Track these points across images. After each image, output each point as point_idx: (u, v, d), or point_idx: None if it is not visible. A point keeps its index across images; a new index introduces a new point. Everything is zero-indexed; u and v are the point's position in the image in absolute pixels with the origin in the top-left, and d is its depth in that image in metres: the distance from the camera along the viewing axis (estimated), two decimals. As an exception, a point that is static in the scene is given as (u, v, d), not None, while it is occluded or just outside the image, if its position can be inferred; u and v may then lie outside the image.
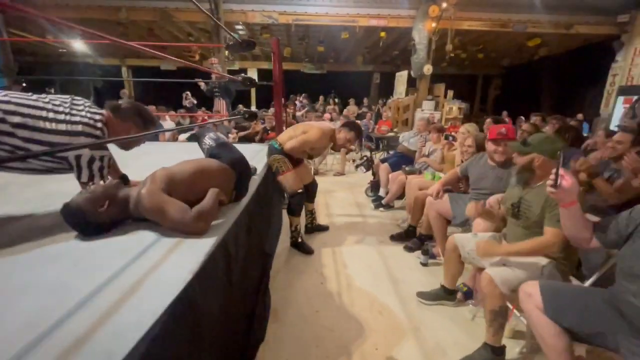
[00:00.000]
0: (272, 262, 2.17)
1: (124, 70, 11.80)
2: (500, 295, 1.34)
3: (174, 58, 1.76)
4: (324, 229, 2.89)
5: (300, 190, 2.37)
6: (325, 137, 2.40)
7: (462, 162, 2.57)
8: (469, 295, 1.92)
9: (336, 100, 10.56)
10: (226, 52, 7.84)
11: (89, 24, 7.80)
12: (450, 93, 7.87)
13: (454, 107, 7.57)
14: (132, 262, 0.87)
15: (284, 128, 3.16)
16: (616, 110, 7.35)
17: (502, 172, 2.03)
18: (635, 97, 6.78)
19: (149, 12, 6.94)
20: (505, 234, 1.70)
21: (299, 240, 2.50)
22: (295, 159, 2.44)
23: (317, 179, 2.85)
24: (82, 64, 10.85)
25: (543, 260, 1.44)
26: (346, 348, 1.52)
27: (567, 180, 1.09)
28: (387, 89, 10.64)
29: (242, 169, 1.50)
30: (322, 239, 2.73)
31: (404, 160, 3.62)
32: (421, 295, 1.92)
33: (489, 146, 2.03)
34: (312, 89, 11.00)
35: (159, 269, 0.84)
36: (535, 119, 4.18)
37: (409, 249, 2.52)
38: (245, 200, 1.51)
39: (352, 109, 8.33)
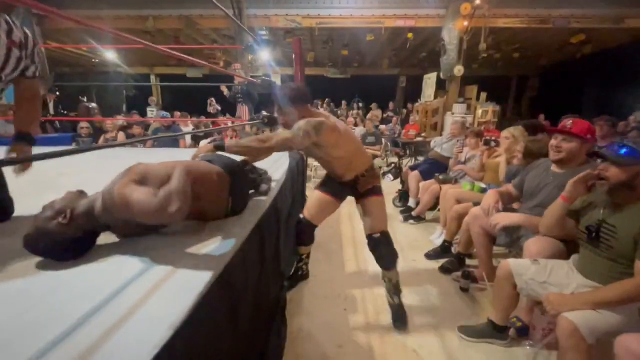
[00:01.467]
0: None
1: (152, 78, 12.18)
2: (587, 349, 1.02)
3: (198, 61, 1.63)
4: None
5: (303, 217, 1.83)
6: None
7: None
8: (523, 332, 1.59)
9: (360, 104, 10.30)
10: (249, 57, 7.82)
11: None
12: (483, 95, 7.37)
13: (488, 110, 7.07)
14: (97, 310, 0.65)
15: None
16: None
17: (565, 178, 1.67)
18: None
19: (174, 20, 7.04)
20: (577, 261, 1.36)
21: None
22: (333, 181, 1.78)
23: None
24: (113, 72, 11.29)
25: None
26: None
27: None
28: (413, 93, 10.23)
29: (238, 174, 1.28)
30: (344, 257, 2.46)
31: (436, 168, 3.29)
32: (464, 330, 1.60)
33: (551, 141, 1.68)
34: (336, 94, 10.79)
35: (130, 320, 0.62)
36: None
37: (446, 270, 2.19)
38: (255, 217, 1.28)
39: (375, 113, 8.02)
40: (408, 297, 1.88)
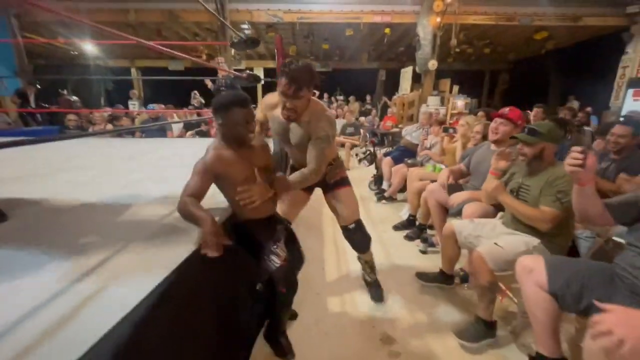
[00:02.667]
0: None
1: (133, 71, 12.04)
2: (489, 271, 1.40)
3: (180, 54, 1.87)
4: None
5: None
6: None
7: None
8: (465, 279, 1.98)
9: (341, 97, 10.62)
10: (232, 51, 7.97)
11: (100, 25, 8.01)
12: (456, 88, 7.84)
13: (459, 102, 7.55)
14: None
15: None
16: (626, 103, 7.25)
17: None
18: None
19: (156, 14, 7.10)
20: (502, 217, 1.75)
21: None
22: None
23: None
24: (92, 66, 11.10)
25: (534, 241, 1.49)
26: (345, 327, 1.60)
27: (591, 160, 1.12)
28: (393, 86, 10.64)
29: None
30: (325, 228, 2.81)
31: (406, 154, 3.67)
32: (420, 276, 1.99)
33: (492, 124, 2.08)
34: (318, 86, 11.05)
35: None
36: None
37: (409, 238, 2.58)
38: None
39: (353, 106, 8.37)
40: (378, 261, 2.25)
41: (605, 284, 1.11)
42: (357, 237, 1.76)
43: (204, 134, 4.74)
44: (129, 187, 1.70)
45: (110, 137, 4.13)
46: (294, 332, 1.52)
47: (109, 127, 4.68)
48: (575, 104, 7.77)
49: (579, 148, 1.13)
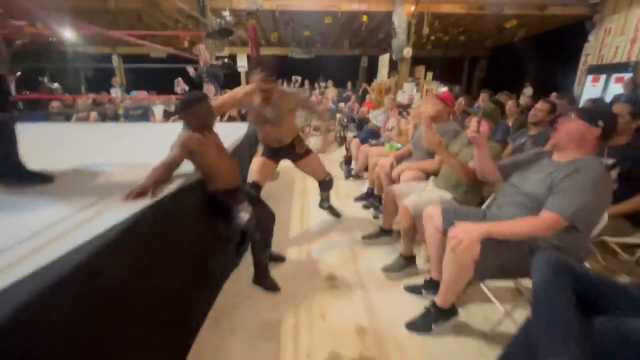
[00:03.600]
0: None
1: (114, 58, 11.94)
2: (410, 216, 1.80)
3: (160, 47, 2.14)
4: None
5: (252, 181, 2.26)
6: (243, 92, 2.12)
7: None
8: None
9: (323, 84, 10.86)
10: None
11: (79, 12, 7.99)
12: (430, 75, 8.21)
13: (433, 89, 7.93)
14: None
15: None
16: (585, 89, 7.78)
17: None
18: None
19: (136, 1, 7.15)
20: (434, 180, 2.16)
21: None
22: (271, 148, 2.37)
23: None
24: (72, 52, 10.97)
25: (448, 196, 1.90)
26: (299, 271, 1.99)
27: (484, 127, 1.50)
28: (374, 73, 10.95)
29: None
30: (294, 199, 3.19)
31: (372, 136, 4.04)
32: (366, 236, 2.39)
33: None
34: (302, 73, 11.25)
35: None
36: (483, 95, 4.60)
37: (365, 207, 2.99)
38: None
39: (331, 92, 8.66)
40: (339, 224, 2.65)
41: (477, 219, 1.51)
42: (329, 184, 2.62)
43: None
44: (113, 161, 2.02)
45: (95, 123, 4.35)
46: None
47: (93, 114, 4.89)
48: (529, 90, 8.48)
49: (476, 118, 1.52)
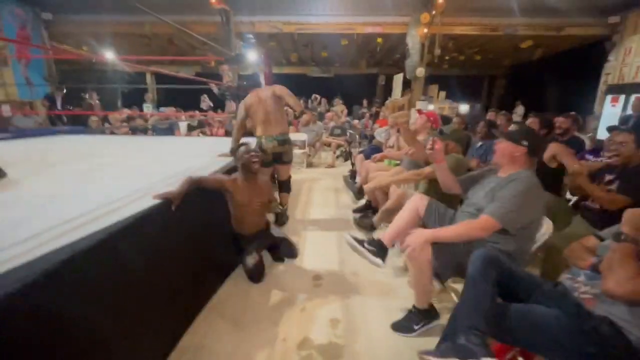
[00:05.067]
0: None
1: (148, 76, 12.95)
2: (402, 202, 2.01)
3: (184, 74, 2.51)
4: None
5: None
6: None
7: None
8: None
9: (340, 101, 11.22)
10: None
11: (119, 36, 8.88)
12: (443, 94, 8.37)
13: (445, 107, 8.07)
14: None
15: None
16: (605, 110, 7.65)
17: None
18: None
19: (169, 26, 7.87)
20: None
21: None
22: None
23: (311, 170, 3.58)
24: (111, 71, 12.05)
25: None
26: (288, 272, 2.21)
27: (438, 145, 1.71)
28: (391, 91, 11.24)
29: None
30: (300, 206, 3.44)
31: (375, 151, 4.25)
32: (353, 237, 2.60)
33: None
34: (321, 92, 11.71)
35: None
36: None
37: (362, 219, 3.18)
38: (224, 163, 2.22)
39: (339, 109, 8.96)
40: (334, 233, 2.86)
41: (448, 218, 1.70)
42: (287, 185, 3.09)
43: (205, 134, 5.44)
44: (140, 166, 2.36)
45: (126, 135, 4.86)
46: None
47: (124, 127, 5.43)
48: (520, 109, 8.54)
49: (431, 138, 1.73)
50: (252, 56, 8.59)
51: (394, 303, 1.84)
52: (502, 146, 1.48)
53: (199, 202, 1.75)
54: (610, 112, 7.37)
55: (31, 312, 0.81)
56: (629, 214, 1.05)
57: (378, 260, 1.71)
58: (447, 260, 1.46)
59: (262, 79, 4.66)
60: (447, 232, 1.42)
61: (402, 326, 1.67)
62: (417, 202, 1.79)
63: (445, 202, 1.98)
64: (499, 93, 13.63)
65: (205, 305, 1.82)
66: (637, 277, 0.90)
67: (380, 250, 1.73)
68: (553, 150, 2.12)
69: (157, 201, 1.45)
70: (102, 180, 1.90)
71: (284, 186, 3.08)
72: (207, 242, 1.90)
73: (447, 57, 9.37)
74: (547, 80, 11.35)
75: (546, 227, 1.45)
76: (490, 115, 4.22)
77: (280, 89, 2.72)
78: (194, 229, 1.73)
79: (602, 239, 1.18)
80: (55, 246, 1.01)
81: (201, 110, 8.16)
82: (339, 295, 1.95)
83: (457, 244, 1.45)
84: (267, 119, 2.68)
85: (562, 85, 10.46)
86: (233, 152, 2.10)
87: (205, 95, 8.95)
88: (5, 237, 1.06)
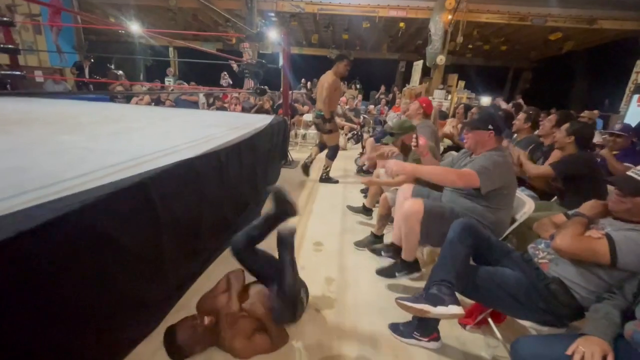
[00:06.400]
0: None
1: (170, 50, 13.17)
2: (387, 205, 2.16)
3: (207, 50, 2.66)
4: (334, 181, 3.89)
5: (337, 144, 3.79)
6: (329, 83, 3.44)
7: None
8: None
9: (358, 86, 11.19)
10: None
11: (145, 9, 9.06)
12: (462, 83, 8.24)
13: (463, 97, 7.98)
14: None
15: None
16: (630, 109, 7.39)
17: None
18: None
19: (194, 1, 7.99)
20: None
21: (326, 176, 3.84)
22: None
23: (324, 153, 3.91)
24: (136, 44, 12.32)
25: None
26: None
27: (422, 140, 1.85)
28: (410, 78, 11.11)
29: None
30: (309, 183, 3.63)
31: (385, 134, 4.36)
32: (350, 207, 2.82)
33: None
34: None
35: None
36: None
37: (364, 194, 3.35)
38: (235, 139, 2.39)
39: (349, 93, 8.95)
40: (338, 207, 3.04)
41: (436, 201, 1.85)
42: (329, 151, 3.77)
43: (224, 109, 5.63)
44: (165, 132, 2.58)
45: (147, 106, 5.11)
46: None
47: (147, 98, 5.68)
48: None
49: (415, 135, 1.87)
50: (273, 35, 8.66)
51: (384, 262, 2.03)
52: (472, 136, 1.63)
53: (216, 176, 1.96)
54: (634, 111, 7.13)
55: (91, 227, 1.03)
56: (586, 204, 1.21)
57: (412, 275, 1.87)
58: (430, 223, 1.62)
59: (281, 59, 4.76)
60: (426, 170, 1.62)
61: (386, 272, 1.93)
62: (403, 196, 1.94)
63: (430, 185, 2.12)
64: (524, 86, 13.21)
65: (221, 254, 2.05)
66: (580, 236, 1.05)
67: (395, 253, 1.96)
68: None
69: (178, 158, 1.65)
70: (131, 141, 2.12)
71: (327, 151, 3.77)
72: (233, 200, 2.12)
73: (470, 46, 9.15)
74: (575, 76, 10.95)
75: (528, 207, 1.58)
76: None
77: (325, 79, 3.49)
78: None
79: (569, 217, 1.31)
80: (100, 184, 1.22)
81: (221, 87, 8.35)
82: (336, 259, 2.14)
83: (445, 216, 1.60)
84: (317, 98, 3.63)
85: (590, 82, 10.09)
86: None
87: (226, 73, 9.14)
88: (58, 175, 1.28)
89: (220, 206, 2.09)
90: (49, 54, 7.53)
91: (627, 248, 0.98)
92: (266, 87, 7.16)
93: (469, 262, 1.27)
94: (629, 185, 1.05)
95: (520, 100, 6.64)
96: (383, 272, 1.94)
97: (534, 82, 13.09)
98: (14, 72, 5.16)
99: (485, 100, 10.26)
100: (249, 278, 1.52)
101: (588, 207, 1.19)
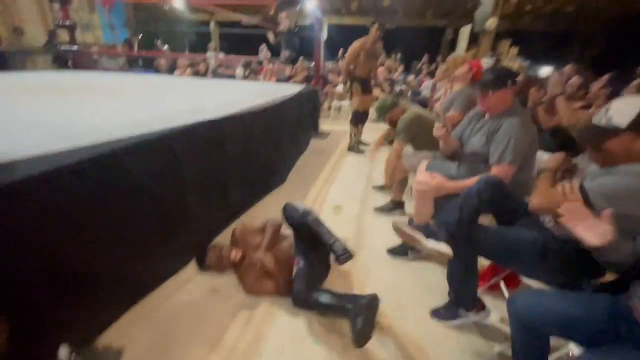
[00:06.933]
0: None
1: (211, 24, 13.45)
2: (404, 170, 2.11)
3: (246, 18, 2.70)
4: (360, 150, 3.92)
5: (360, 110, 3.71)
6: (352, 47, 3.47)
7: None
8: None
9: (399, 56, 10.63)
10: (297, 7, 8.61)
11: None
12: (514, 50, 7.49)
13: (515, 66, 7.25)
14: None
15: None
16: None
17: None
18: None
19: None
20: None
21: (354, 144, 3.86)
22: (364, 81, 3.59)
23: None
24: (180, 20, 12.76)
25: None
26: (315, 202, 2.49)
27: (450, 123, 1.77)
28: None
29: None
30: (335, 155, 3.66)
31: (422, 105, 4.17)
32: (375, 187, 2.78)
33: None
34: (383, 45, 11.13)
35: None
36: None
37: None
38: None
39: (388, 63, 8.44)
40: (361, 173, 3.05)
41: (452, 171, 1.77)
42: (363, 117, 3.79)
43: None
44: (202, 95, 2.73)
45: (189, 77, 5.38)
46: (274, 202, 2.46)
47: (188, 70, 5.93)
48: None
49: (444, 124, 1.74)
50: (311, 3, 8.44)
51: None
52: (493, 97, 1.49)
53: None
54: None
55: (120, 169, 1.19)
56: (551, 157, 1.25)
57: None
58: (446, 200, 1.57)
59: (318, 28, 4.70)
60: (457, 185, 1.48)
61: (397, 251, 1.86)
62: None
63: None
64: (593, 53, 11.63)
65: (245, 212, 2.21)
66: (550, 195, 1.02)
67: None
68: None
69: (203, 119, 1.75)
70: (164, 103, 2.28)
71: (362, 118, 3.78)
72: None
73: (527, 7, 8.14)
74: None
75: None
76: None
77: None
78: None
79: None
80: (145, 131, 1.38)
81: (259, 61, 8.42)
82: (354, 222, 2.20)
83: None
84: None
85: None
86: None
87: (265, 45, 9.14)
88: (97, 127, 1.43)
89: (245, 167, 2.20)
90: (102, 32, 8.09)
91: (597, 196, 0.91)
92: (302, 57, 7.12)
93: (477, 216, 1.23)
94: (590, 136, 1.00)
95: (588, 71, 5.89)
96: (395, 251, 1.86)
97: (605, 48, 11.46)
98: (72, 48, 5.66)
99: (546, 70, 9.20)
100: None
101: (553, 160, 1.20)
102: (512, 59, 7.37)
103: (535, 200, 1.07)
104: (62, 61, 5.73)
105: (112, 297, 1.22)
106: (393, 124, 2.27)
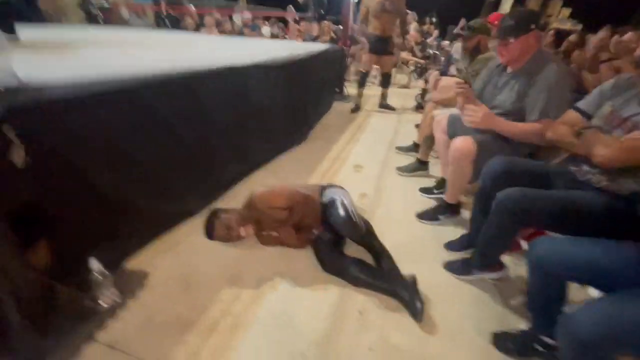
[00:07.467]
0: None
1: (240, -15, 13.02)
2: (430, 127, 2.01)
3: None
4: (391, 108, 4.00)
5: (363, 70, 3.71)
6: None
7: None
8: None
9: (434, 20, 9.92)
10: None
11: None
12: (566, 12, 6.77)
13: (566, 28, 6.59)
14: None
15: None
16: None
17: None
18: None
19: None
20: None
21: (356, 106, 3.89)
22: (376, 39, 3.49)
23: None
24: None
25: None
26: (327, 162, 2.47)
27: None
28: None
29: None
30: (353, 127, 3.57)
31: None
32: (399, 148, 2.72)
33: None
34: (413, 8, 10.39)
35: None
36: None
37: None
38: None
39: (416, 27, 7.82)
40: (385, 138, 2.97)
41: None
42: (388, 80, 3.86)
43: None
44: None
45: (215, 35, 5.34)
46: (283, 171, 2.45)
47: (214, 29, 5.87)
48: None
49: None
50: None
51: (419, 183, 2.05)
52: (517, 45, 1.32)
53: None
54: None
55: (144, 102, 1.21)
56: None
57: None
58: (484, 162, 1.47)
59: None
60: (506, 126, 1.37)
61: (428, 214, 1.80)
62: (439, 125, 1.78)
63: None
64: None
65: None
66: (620, 142, 0.90)
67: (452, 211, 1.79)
68: None
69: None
70: (188, 54, 2.28)
71: (385, 80, 3.85)
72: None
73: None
74: None
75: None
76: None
77: None
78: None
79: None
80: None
81: (285, 22, 8.15)
82: (374, 181, 2.18)
83: (498, 144, 1.44)
84: None
85: None
86: None
87: (291, 6, 8.79)
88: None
89: (266, 120, 2.20)
90: (132, -10, 8.04)
91: None
92: (327, 17, 6.82)
93: (513, 233, 1.18)
94: None
95: None
96: (425, 216, 1.79)
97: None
98: (103, 5, 5.70)
99: (602, 35, 8.23)
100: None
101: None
102: (563, 22, 6.69)
103: (604, 152, 0.91)
104: (94, 19, 5.83)
105: (137, 225, 1.30)
106: (475, 49, 2.21)
